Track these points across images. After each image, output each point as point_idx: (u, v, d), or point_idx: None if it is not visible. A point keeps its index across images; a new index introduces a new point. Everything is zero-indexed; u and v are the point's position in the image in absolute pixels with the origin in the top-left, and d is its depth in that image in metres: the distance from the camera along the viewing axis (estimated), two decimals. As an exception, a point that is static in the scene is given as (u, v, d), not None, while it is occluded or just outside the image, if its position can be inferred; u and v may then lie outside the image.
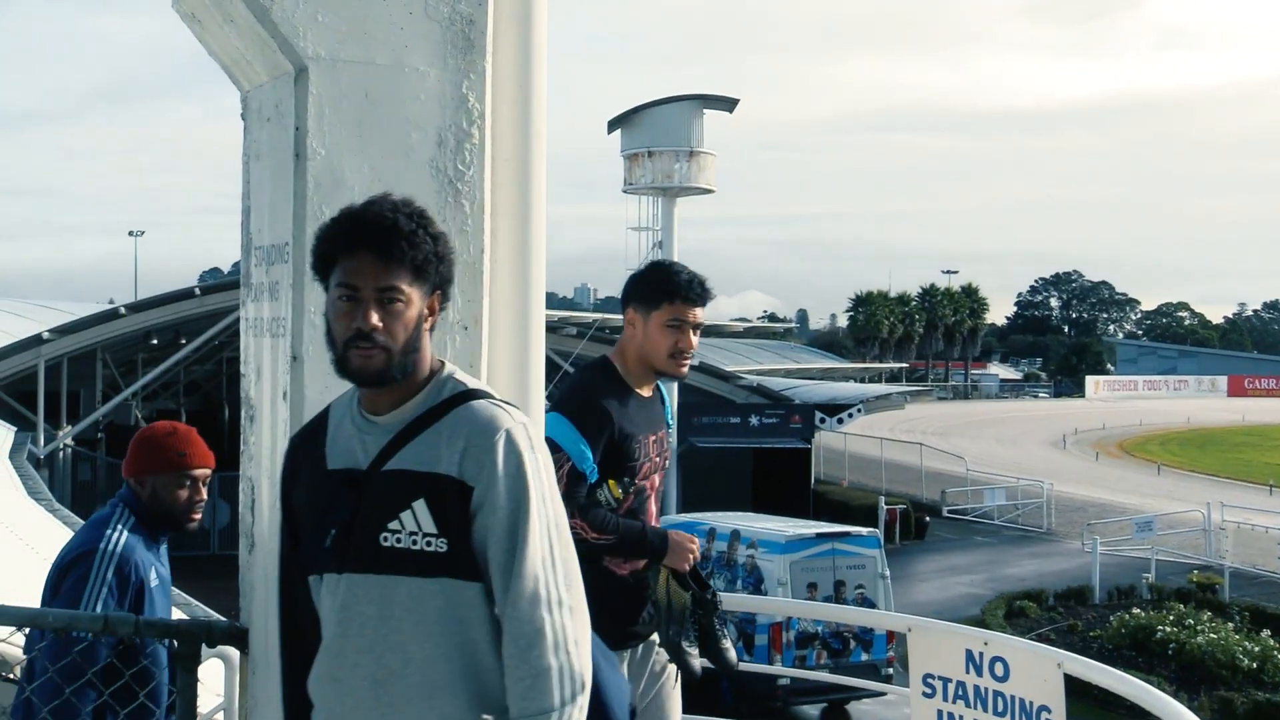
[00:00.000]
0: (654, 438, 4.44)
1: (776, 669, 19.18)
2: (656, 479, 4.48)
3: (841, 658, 21.30)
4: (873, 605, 21.22)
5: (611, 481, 4.26)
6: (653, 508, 4.47)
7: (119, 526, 4.13)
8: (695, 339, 4.45)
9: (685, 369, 4.47)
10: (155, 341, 41.27)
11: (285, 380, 3.16)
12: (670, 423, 4.63)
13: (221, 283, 44.88)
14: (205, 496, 4.29)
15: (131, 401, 42.84)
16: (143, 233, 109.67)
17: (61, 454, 37.51)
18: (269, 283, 3.30)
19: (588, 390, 4.40)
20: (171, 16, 3.48)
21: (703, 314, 4.45)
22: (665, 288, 4.40)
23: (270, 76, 3.29)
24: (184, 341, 40.69)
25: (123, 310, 38.82)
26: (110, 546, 4.05)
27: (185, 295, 38.72)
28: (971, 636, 5.52)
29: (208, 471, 4.30)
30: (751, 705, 19.89)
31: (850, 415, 53.55)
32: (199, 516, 4.34)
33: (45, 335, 35.56)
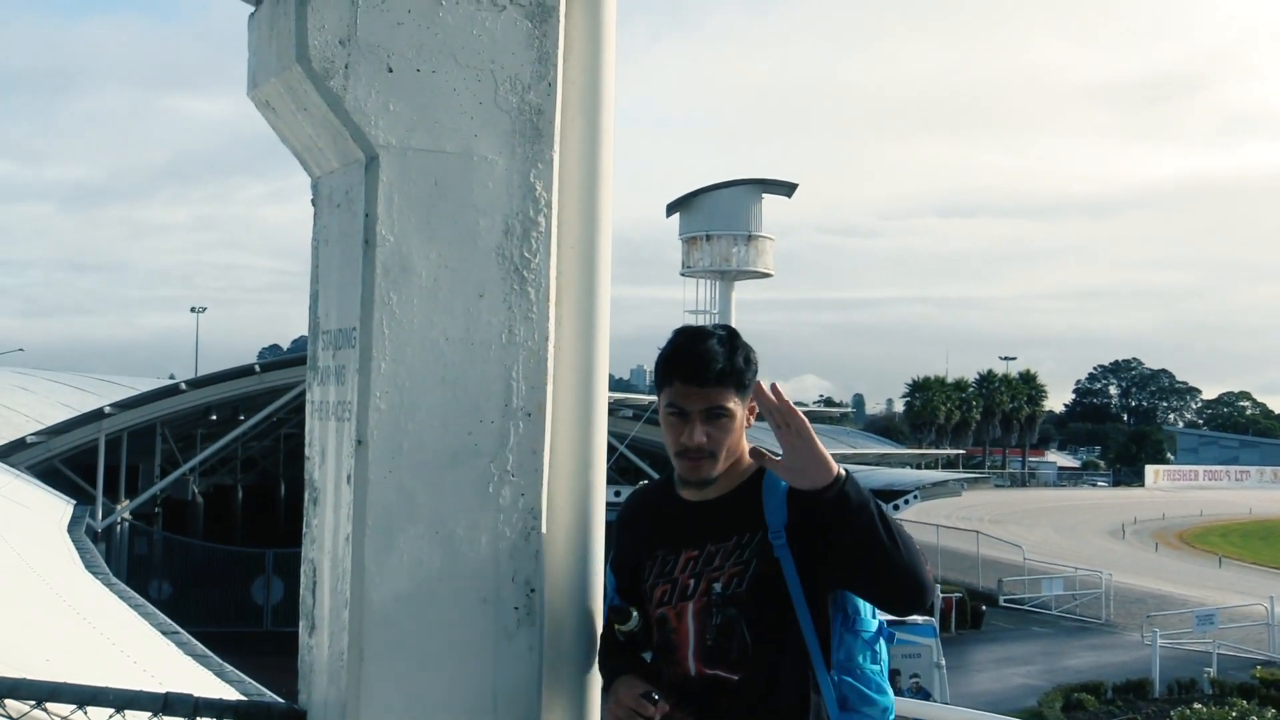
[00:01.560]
0: (689, 555, 3.28)
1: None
2: (690, 606, 3.25)
3: (896, 749, 20.97)
4: (928, 695, 20.96)
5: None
6: (686, 648, 3.26)
7: None
8: (717, 429, 3.22)
9: (701, 471, 3.25)
10: (214, 417, 41.77)
11: (349, 464, 3.17)
12: (769, 522, 3.20)
13: (281, 360, 45.50)
14: None
15: (189, 476, 43.21)
16: (205, 309, 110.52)
17: (119, 528, 37.82)
18: (335, 367, 3.32)
19: (624, 503, 3.61)
20: (241, 97, 3.54)
21: (725, 396, 3.22)
22: (661, 366, 3.33)
23: (341, 163, 3.33)
24: (243, 417, 41.10)
25: (183, 386, 39.34)
26: None
27: (245, 372, 39.17)
28: (1033, 732, 5.44)
29: None
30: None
31: (907, 502, 53.20)
32: None
33: (106, 409, 36.05)
